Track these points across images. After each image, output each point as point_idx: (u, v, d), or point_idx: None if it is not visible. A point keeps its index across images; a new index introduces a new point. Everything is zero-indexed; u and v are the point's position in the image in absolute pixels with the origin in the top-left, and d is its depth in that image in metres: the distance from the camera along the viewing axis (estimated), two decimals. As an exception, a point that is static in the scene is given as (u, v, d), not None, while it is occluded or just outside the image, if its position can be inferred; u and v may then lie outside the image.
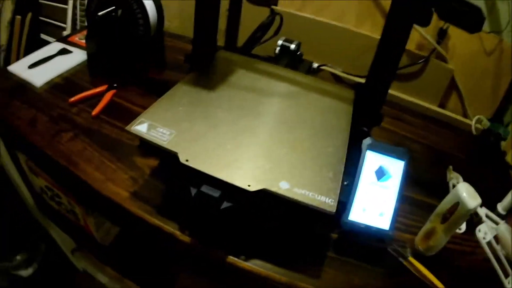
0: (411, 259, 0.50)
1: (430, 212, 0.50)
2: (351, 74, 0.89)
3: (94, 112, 0.65)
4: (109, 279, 0.91)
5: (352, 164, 0.51)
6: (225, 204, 0.41)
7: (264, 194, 0.40)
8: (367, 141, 0.51)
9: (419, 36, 0.83)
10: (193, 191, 0.41)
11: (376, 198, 0.50)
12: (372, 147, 0.51)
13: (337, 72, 0.90)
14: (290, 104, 0.57)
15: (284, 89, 0.60)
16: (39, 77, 0.72)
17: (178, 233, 0.47)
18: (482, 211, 0.61)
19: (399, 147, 0.52)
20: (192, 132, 0.46)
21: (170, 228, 0.48)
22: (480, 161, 0.77)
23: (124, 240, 0.84)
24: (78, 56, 0.80)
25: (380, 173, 0.51)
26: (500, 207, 0.63)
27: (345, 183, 0.52)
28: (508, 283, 0.49)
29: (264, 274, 0.45)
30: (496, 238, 0.56)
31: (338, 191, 0.42)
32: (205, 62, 0.63)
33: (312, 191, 0.41)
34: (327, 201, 0.41)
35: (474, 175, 0.68)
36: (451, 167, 0.68)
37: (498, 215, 0.61)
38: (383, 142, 0.53)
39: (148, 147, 0.46)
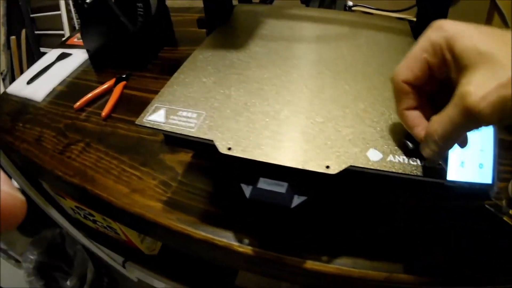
0: None
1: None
2: (385, 10, 0.73)
3: (104, 113, 0.54)
4: (166, 285, 0.83)
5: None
6: (297, 200, 0.28)
7: (350, 174, 0.27)
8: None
9: None
10: (247, 189, 0.28)
11: (472, 146, 0.36)
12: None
13: (371, 10, 0.74)
14: (342, 47, 0.42)
15: (328, 31, 0.46)
16: (39, 90, 0.63)
17: (235, 244, 0.36)
18: None
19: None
20: (227, 108, 0.33)
21: (224, 240, 0.36)
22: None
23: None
24: (79, 57, 0.70)
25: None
26: None
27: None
28: None
29: (357, 274, 0.33)
30: None
31: None
32: (222, 21, 0.49)
33: (412, 156, 0.28)
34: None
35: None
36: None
37: None
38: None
39: (174, 139, 0.34)
